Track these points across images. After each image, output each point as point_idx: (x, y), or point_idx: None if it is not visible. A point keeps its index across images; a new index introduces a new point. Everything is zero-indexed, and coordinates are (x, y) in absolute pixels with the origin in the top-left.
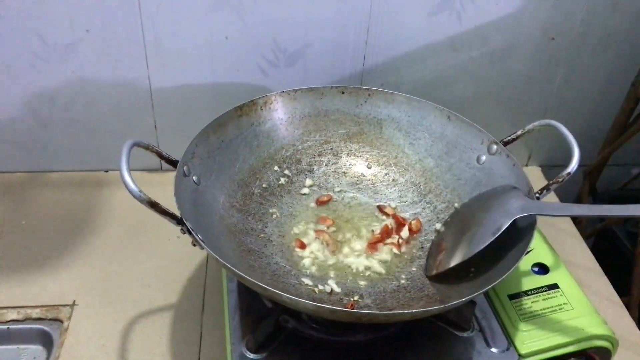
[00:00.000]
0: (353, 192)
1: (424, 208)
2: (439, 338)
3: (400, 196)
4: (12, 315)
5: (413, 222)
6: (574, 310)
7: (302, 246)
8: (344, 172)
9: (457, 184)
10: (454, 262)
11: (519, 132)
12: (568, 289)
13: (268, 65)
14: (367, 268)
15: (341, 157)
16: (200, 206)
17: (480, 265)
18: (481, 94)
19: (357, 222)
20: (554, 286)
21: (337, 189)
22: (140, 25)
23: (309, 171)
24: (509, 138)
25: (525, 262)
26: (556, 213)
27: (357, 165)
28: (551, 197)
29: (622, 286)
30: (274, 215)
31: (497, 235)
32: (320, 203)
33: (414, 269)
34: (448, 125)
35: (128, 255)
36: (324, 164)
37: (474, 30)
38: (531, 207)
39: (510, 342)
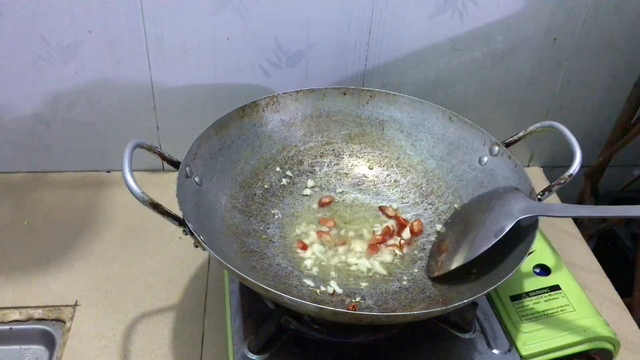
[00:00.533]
0: (355, 193)
1: (425, 209)
2: (441, 339)
3: (401, 197)
4: (15, 315)
5: (414, 223)
6: (576, 311)
7: (304, 247)
8: (345, 173)
9: (459, 185)
10: (455, 264)
11: (521, 134)
12: (570, 290)
13: (270, 66)
14: (369, 269)
15: (343, 158)
16: (202, 207)
17: (482, 267)
18: (483, 95)
19: (358, 223)
20: (556, 287)
21: (338, 190)
22: (142, 26)
23: (311, 172)
24: (511, 139)
25: (527, 264)
26: (559, 214)
27: (359, 166)
28: (553, 198)
29: (624, 288)
30: (276, 217)
31: (499, 237)
32: (322, 204)
33: (416, 270)
34: (450, 127)
35: (130, 255)
36: (326, 165)
37: (476, 31)
38: (534, 208)
39: (512, 344)
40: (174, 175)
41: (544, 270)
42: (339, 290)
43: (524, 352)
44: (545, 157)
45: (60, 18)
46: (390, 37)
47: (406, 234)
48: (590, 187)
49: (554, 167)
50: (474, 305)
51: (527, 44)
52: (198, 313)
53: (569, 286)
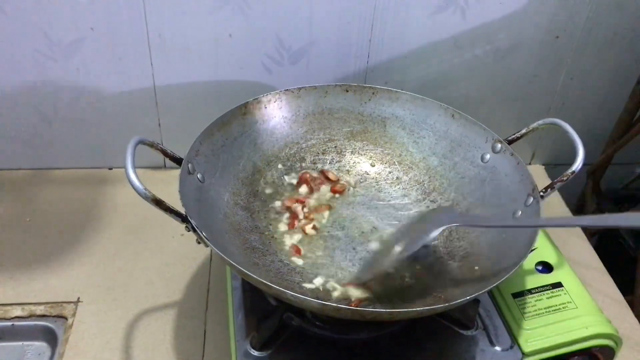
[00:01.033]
0: (357, 190)
1: (427, 206)
2: (443, 336)
3: (404, 194)
4: (17, 311)
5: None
6: (578, 308)
7: (298, 251)
8: (347, 171)
9: (461, 182)
10: (384, 267)
11: (524, 131)
12: (572, 287)
13: (272, 63)
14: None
15: (345, 155)
16: (205, 204)
17: (484, 264)
18: (485, 92)
19: (360, 221)
20: (558, 285)
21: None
22: (144, 23)
23: (313, 169)
24: (513, 136)
25: (529, 261)
26: (484, 224)
27: (361, 163)
28: (555, 196)
29: (625, 285)
30: (278, 213)
31: (425, 242)
32: (335, 192)
33: (418, 267)
34: (452, 124)
35: (132, 252)
36: (328, 162)
37: (479, 28)
38: (459, 219)
39: (514, 341)
40: (176, 172)
41: (546, 267)
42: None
43: (526, 349)
44: (547, 155)
45: (63, 15)
46: (392, 34)
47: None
48: (592, 185)
49: (556, 165)
50: (476, 302)
51: (529, 41)
52: (200, 309)
53: (571, 283)
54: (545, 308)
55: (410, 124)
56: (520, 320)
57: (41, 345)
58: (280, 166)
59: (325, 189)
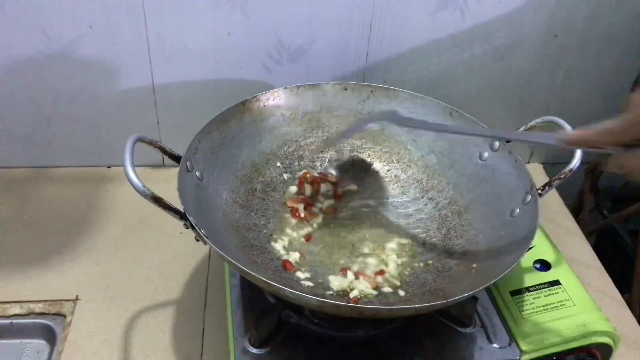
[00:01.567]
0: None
1: (426, 204)
2: (441, 334)
3: (402, 192)
4: (15, 309)
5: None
6: (576, 306)
7: (291, 268)
8: (346, 169)
9: (460, 180)
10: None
11: (522, 129)
12: (570, 285)
13: (271, 62)
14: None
15: (343, 153)
16: (203, 201)
17: (482, 261)
18: (484, 90)
19: (360, 220)
20: (556, 283)
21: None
22: (143, 21)
23: (312, 167)
24: None
25: (527, 259)
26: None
27: None
28: (553, 194)
29: (623, 283)
30: (277, 211)
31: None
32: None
33: (416, 264)
34: (450, 122)
35: (131, 250)
36: (327, 160)
37: (477, 27)
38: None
39: (512, 338)
40: (175, 170)
41: (544, 265)
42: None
43: (523, 347)
44: (546, 153)
45: (62, 13)
46: (391, 33)
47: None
48: (590, 183)
49: (554, 163)
50: (474, 299)
51: (528, 40)
52: (199, 307)
53: (568, 281)
54: (543, 306)
55: None
56: (518, 318)
57: (40, 343)
58: (278, 164)
59: (324, 187)
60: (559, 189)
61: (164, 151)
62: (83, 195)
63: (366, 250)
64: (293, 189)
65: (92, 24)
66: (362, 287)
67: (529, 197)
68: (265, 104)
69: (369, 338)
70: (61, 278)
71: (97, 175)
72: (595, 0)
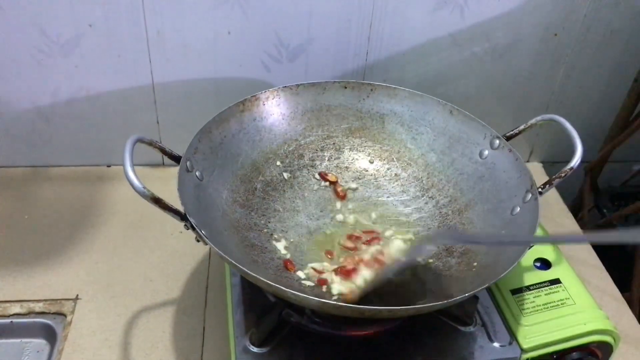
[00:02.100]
0: (355, 187)
1: (426, 203)
2: (442, 333)
3: (402, 191)
4: (16, 309)
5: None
6: (576, 305)
7: (292, 267)
8: (346, 167)
9: (460, 178)
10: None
11: (522, 127)
12: (570, 284)
13: (271, 60)
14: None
15: (343, 152)
16: (203, 201)
17: (482, 260)
18: (484, 89)
19: (359, 219)
20: (556, 281)
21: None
22: (143, 20)
23: (312, 166)
24: (511, 133)
25: (528, 258)
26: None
27: (360, 160)
28: (553, 193)
29: (623, 282)
30: (277, 211)
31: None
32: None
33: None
34: (450, 120)
35: (131, 249)
36: (327, 158)
37: (477, 26)
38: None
39: (513, 337)
40: (174, 170)
41: (544, 264)
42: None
43: (524, 345)
44: (545, 152)
45: (61, 11)
46: (391, 32)
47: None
48: (590, 182)
49: (554, 162)
50: (475, 298)
51: (528, 39)
52: (199, 307)
53: (569, 280)
54: (543, 304)
55: (409, 120)
56: (518, 317)
57: (40, 343)
58: (278, 163)
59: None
60: (559, 188)
61: (163, 152)
62: (83, 194)
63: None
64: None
65: (91, 23)
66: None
67: (529, 196)
68: (265, 102)
69: (370, 337)
70: (61, 277)
71: (96, 174)
72: None
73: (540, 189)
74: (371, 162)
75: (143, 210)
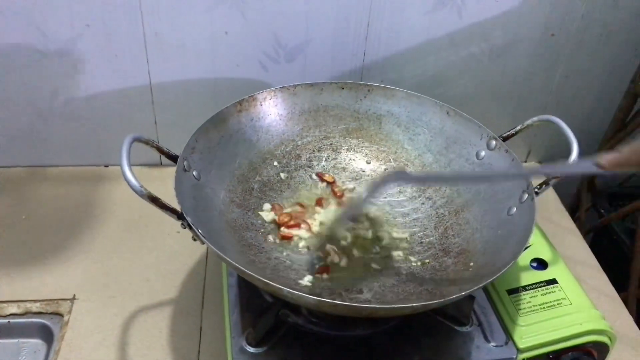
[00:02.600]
0: (353, 187)
1: (423, 203)
2: (438, 332)
3: (399, 191)
4: (12, 309)
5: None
6: (572, 305)
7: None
8: (343, 168)
9: None
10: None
11: (519, 127)
12: (566, 284)
13: (268, 61)
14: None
15: (341, 152)
16: (201, 201)
17: (479, 260)
18: (481, 89)
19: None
20: (553, 281)
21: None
22: (140, 20)
23: (309, 167)
24: (508, 133)
25: (524, 258)
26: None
27: (357, 160)
28: (550, 193)
29: (620, 282)
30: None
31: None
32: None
33: (413, 263)
34: (447, 121)
35: (128, 249)
36: (324, 159)
37: (474, 26)
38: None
39: (509, 337)
40: (172, 170)
41: (541, 264)
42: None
43: (520, 345)
44: (542, 152)
45: (59, 12)
46: (388, 32)
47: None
48: (587, 182)
49: (551, 162)
50: (471, 298)
51: (525, 39)
52: (196, 306)
53: (565, 280)
54: (540, 304)
55: (406, 121)
56: (515, 317)
57: (37, 343)
58: (275, 163)
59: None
60: (556, 188)
61: (161, 151)
62: (80, 194)
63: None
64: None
65: (89, 23)
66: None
67: (526, 196)
68: (262, 103)
69: (366, 337)
70: (58, 277)
71: (94, 174)
72: None
73: (536, 190)
74: (368, 163)
75: (140, 210)
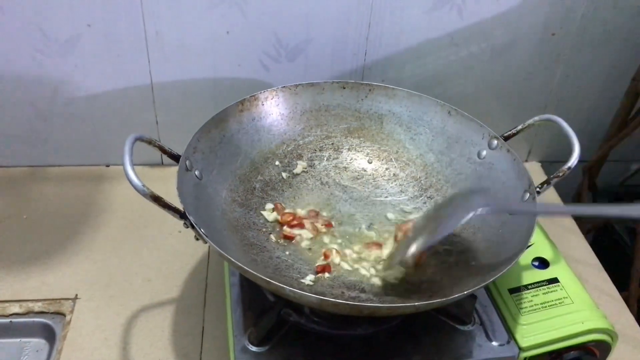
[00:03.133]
0: (354, 187)
1: (424, 202)
2: (440, 331)
3: (401, 191)
4: (15, 308)
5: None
6: (574, 304)
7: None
8: (344, 167)
9: (458, 178)
10: (411, 251)
11: (520, 127)
12: (568, 283)
13: (269, 60)
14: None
15: (342, 152)
16: (203, 201)
17: (481, 259)
18: (482, 89)
19: (358, 218)
20: (554, 280)
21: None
22: (141, 20)
23: (310, 166)
24: (509, 133)
25: (526, 257)
26: (517, 210)
27: (358, 160)
28: (551, 192)
29: (621, 281)
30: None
31: (455, 226)
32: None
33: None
34: (449, 120)
35: (130, 249)
36: (325, 158)
37: (475, 25)
38: (492, 203)
39: (511, 336)
40: (173, 169)
41: (542, 263)
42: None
43: (522, 344)
44: (543, 152)
45: (60, 11)
46: (389, 32)
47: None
48: (588, 181)
49: (552, 162)
50: (473, 297)
51: (526, 38)
52: (198, 306)
53: (567, 279)
54: (541, 303)
55: (407, 120)
56: (516, 316)
57: (39, 342)
58: (277, 163)
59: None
60: (557, 187)
61: (163, 150)
62: (82, 194)
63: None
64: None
65: (90, 23)
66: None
67: (527, 196)
68: (264, 102)
69: (368, 336)
70: (60, 277)
71: (95, 174)
72: None
73: (538, 189)
74: (370, 162)
75: (142, 209)
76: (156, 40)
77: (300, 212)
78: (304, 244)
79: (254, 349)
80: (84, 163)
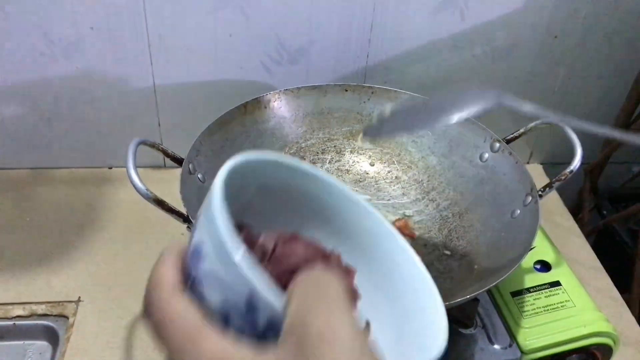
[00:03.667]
0: (356, 190)
1: (427, 205)
2: None
3: (403, 193)
4: (18, 311)
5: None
6: (576, 307)
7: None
8: (347, 170)
9: (460, 181)
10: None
11: (522, 130)
12: (570, 286)
13: (272, 63)
14: None
15: (344, 154)
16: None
17: (483, 262)
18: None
19: None
20: (556, 283)
21: None
22: (144, 23)
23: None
24: (511, 136)
25: (528, 260)
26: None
27: (360, 162)
28: (552, 194)
29: (623, 284)
30: None
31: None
32: None
33: None
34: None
35: (133, 252)
36: (327, 161)
37: (477, 28)
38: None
39: (513, 339)
40: (175, 171)
41: (544, 266)
42: None
43: (524, 347)
44: (545, 154)
45: (63, 14)
46: (391, 34)
47: None
48: (590, 184)
49: (554, 164)
50: (475, 300)
51: (528, 41)
52: None
53: (569, 282)
54: (543, 307)
55: None
56: (519, 319)
57: (42, 345)
58: None
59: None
60: (559, 189)
61: (166, 154)
62: (84, 196)
63: None
64: None
65: (93, 26)
66: None
67: (530, 199)
68: (266, 105)
69: None
70: (63, 279)
71: (98, 176)
72: (595, 1)
73: (540, 192)
74: (372, 165)
75: (145, 212)
76: (159, 43)
77: None
78: None
79: None
80: (86, 165)
